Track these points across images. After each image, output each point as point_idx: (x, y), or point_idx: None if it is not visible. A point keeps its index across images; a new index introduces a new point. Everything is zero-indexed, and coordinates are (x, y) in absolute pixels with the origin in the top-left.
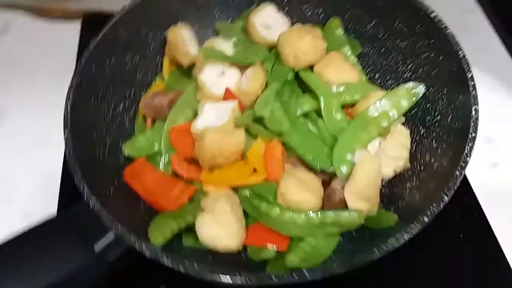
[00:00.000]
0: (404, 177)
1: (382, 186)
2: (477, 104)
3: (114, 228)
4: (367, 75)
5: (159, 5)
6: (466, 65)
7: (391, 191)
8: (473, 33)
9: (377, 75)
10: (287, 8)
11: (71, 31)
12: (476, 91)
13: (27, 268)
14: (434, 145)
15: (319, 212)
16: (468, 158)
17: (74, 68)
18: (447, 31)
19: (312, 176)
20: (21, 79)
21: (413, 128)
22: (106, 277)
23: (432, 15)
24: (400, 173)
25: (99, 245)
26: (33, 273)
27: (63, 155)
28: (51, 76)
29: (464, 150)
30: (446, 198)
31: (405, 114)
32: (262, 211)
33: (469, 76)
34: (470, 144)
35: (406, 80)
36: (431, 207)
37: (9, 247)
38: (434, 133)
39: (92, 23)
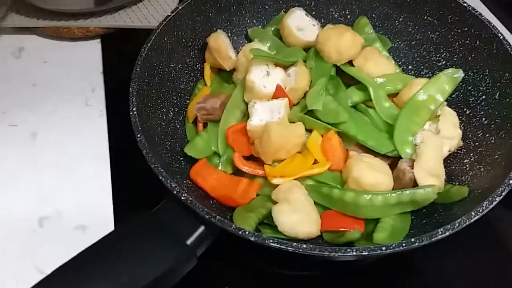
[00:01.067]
0: (458, 154)
1: None
2: None
3: (211, 217)
4: (400, 67)
5: (196, 15)
6: (508, 46)
7: (449, 169)
8: None
9: (410, 67)
10: (314, 11)
11: (92, 49)
12: None
13: (127, 267)
14: (485, 122)
15: (396, 192)
16: None
17: (103, 84)
18: (483, 17)
19: (378, 159)
20: (48, 99)
21: (457, 110)
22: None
23: (464, 4)
24: (454, 152)
25: (191, 240)
26: (134, 271)
27: (108, 166)
28: (79, 95)
29: None
30: None
31: (447, 99)
32: (335, 197)
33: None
34: None
35: (441, 68)
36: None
37: (103, 246)
38: (482, 111)
39: (112, 40)
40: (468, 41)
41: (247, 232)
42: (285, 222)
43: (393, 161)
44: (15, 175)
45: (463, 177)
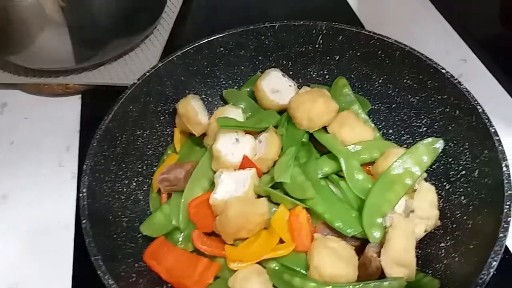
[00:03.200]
0: (436, 236)
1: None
2: (507, 160)
3: None
4: (380, 131)
5: (167, 79)
6: (487, 120)
7: (424, 252)
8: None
9: (390, 131)
10: (291, 71)
11: (72, 106)
12: (502, 146)
13: None
14: (464, 202)
15: (358, 285)
16: (510, 218)
17: (77, 143)
18: (461, 86)
19: (344, 244)
20: (23, 158)
21: (437, 183)
22: None
23: (443, 71)
24: (431, 232)
25: None
26: None
27: (72, 237)
28: (54, 154)
29: (503, 209)
30: (494, 263)
31: (427, 170)
32: (296, 286)
33: (493, 131)
34: (509, 203)
35: (422, 135)
36: (481, 275)
37: None
38: (462, 189)
39: (92, 97)
40: (448, 109)
41: None
42: None
43: (363, 243)
44: None
45: (437, 265)
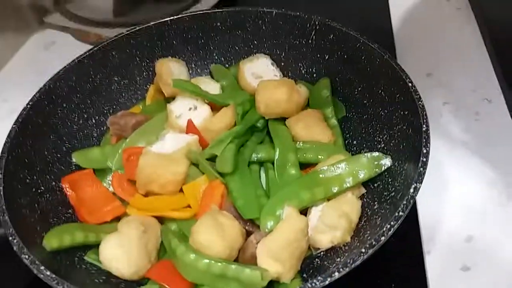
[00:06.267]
0: (339, 252)
1: (314, 255)
2: (421, 182)
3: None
4: (345, 140)
5: (157, 39)
6: (425, 140)
7: (322, 263)
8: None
9: (355, 142)
10: (283, 63)
11: None
12: (424, 169)
13: None
14: (378, 223)
15: (221, 262)
16: (383, 237)
17: None
18: (419, 102)
19: (234, 223)
20: None
21: (369, 202)
22: None
23: (409, 84)
24: (339, 247)
25: None
26: None
27: None
28: None
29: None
30: None
31: (367, 186)
32: (172, 247)
33: (424, 151)
34: (390, 224)
35: (380, 151)
36: None
37: None
38: (383, 210)
39: None
40: (404, 127)
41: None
42: (104, 253)
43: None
44: None
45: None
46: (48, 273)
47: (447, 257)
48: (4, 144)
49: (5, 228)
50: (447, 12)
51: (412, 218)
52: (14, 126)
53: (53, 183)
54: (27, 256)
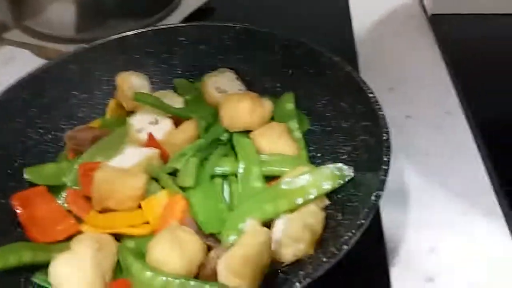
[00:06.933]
0: (302, 264)
1: (277, 269)
2: (382, 190)
3: None
4: (310, 152)
5: (118, 52)
6: (386, 148)
7: (285, 276)
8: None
9: (319, 154)
10: (248, 77)
11: None
12: (386, 176)
13: None
14: (341, 233)
15: (179, 279)
16: (345, 246)
17: None
18: (379, 112)
19: (194, 239)
20: None
21: (333, 213)
22: None
23: (370, 95)
24: (303, 259)
25: None
26: None
27: None
28: None
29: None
30: None
31: (331, 197)
32: (128, 265)
33: (385, 159)
34: (351, 233)
35: (342, 162)
36: None
37: None
38: (347, 221)
39: None
40: (367, 137)
41: None
42: (54, 272)
43: None
44: None
45: None
46: None
47: (411, 269)
48: None
49: None
50: (409, 29)
51: (376, 230)
52: None
53: (3, 200)
54: None
